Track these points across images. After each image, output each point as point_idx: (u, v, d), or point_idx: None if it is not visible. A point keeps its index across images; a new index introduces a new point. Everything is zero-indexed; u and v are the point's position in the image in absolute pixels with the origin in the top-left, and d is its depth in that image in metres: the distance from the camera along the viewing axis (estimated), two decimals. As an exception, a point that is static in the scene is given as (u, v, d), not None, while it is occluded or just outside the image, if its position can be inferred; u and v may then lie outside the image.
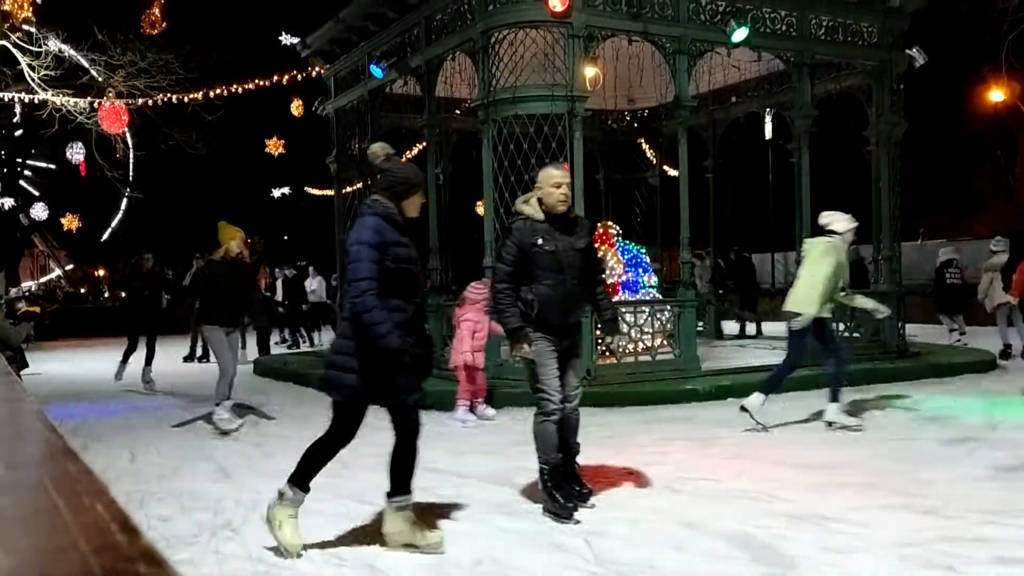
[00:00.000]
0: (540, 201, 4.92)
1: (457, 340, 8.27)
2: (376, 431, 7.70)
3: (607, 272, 10.75)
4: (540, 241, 4.81)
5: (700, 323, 12.82)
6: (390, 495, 4.38)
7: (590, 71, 10.62)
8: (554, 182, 4.87)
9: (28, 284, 36.03)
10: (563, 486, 4.92)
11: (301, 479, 4.30)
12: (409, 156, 19.94)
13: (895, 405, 8.34)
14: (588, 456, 6.40)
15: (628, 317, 9.95)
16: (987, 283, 12.50)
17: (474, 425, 7.97)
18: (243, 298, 8.31)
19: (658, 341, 10.13)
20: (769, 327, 14.25)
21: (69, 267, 38.70)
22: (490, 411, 8.37)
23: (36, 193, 29.23)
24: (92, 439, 7.62)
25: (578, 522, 4.62)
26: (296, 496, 4.26)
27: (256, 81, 18.74)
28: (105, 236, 29.64)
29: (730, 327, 15.28)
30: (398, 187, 4.28)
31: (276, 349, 16.30)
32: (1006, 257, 12.49)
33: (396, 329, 4.06)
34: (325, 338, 16.54)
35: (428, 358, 4.47)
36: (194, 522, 4.79)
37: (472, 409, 8.24)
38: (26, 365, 7.91)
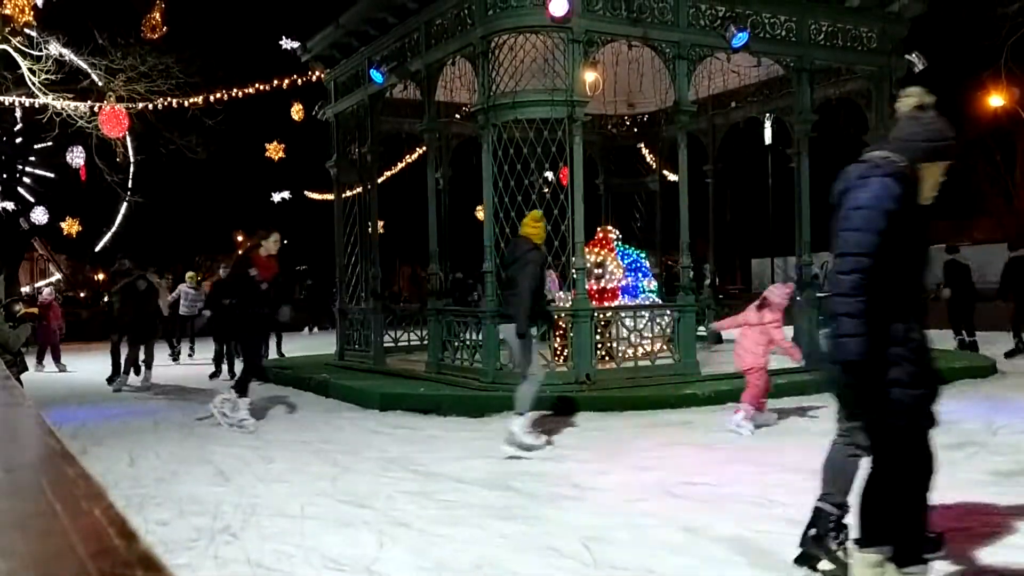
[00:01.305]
0: None
1: (752, 343, 7.53)
2: (377, 436, 7.74)
3: (607, 277, 10.77)
4: None
5: (700, 328, 12.82)
6: (859, 543, 3.44)
7: (590, 76, 10.63)
8: None
9: (28, 287, 36.01)
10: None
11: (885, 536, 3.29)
12: (409, 160, 19.98)
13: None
14: (588, 460, 6.41)
15: (628, 322, 9.96)
16: None
17: (749, 435, 7.22)
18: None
19: (658, 346, 10.13)
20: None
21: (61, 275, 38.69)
22: (773, 416, 7.75)
23: (32, 200, 29.22)
24: (91, 443, 7.62)
25: None
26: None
27: (256, 85, 18.76)
28: (100, 245, 29.65)
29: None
30: (936, 143, 3.29)
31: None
32: None
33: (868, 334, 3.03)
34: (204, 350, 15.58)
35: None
36: (193, 526, 4.78)
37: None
38: (26, 368, 7.90)
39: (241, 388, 8.29)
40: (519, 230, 7.44)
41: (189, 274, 16.62)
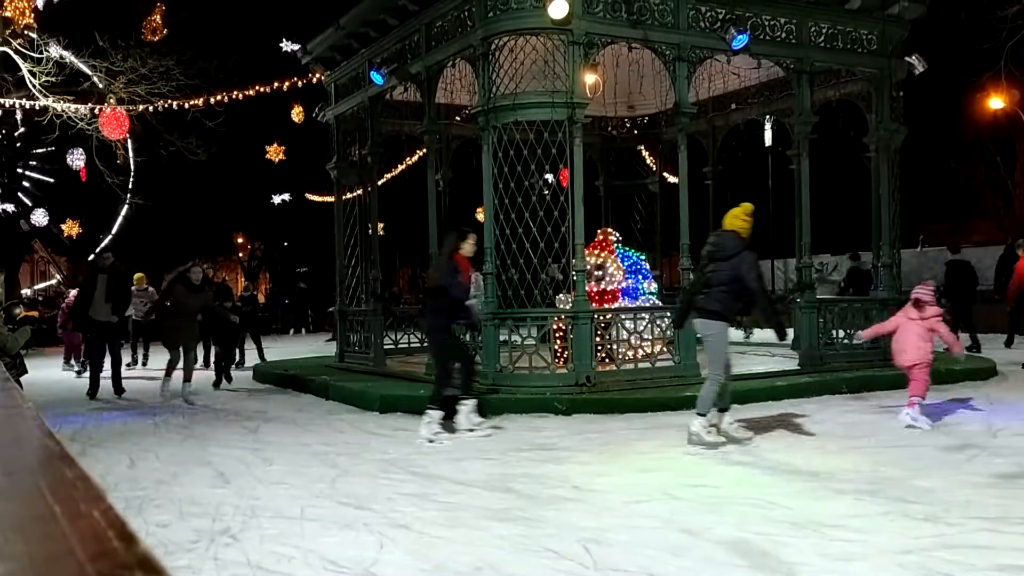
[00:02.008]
0: None
1: (916, 338, 7.49)
2: (376, 438, 7.73)
3: (607, 279, 10.77)
4: None
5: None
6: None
7: (590, 78, 10.63)
8: None
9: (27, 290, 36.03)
10: None
11: None
12: (409, 162, 19.98)
13: (894, 412, 8.33)
14: (588, 462, 6.41)
15: (628, 324, 9.96)
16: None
17: (928, 428, 7.28)
18: None
19: (658, 348, 10.12)
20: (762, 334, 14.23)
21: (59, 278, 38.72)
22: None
23: (31, 202, 29.24)
24: (91, 445, 7.62)
25: None
26: None
27: (257, 87, 18.77)
28: (96, 252, 29.70)
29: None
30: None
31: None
32: None
33: None
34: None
35: None
36: (193, 528, 4.78)
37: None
38: (25, 371, 7.89)
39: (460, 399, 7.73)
40: (723, 223, 7.08)
41: (138, 276, 15.87)
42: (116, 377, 11.32)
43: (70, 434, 8.10)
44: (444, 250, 7.86)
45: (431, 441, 7.27)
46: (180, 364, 10.61)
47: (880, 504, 4.94)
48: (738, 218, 6.93)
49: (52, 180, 28.83)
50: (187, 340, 10.72)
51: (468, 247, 7.71)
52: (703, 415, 6.82)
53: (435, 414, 7.46)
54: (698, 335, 7.86)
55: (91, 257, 12.10)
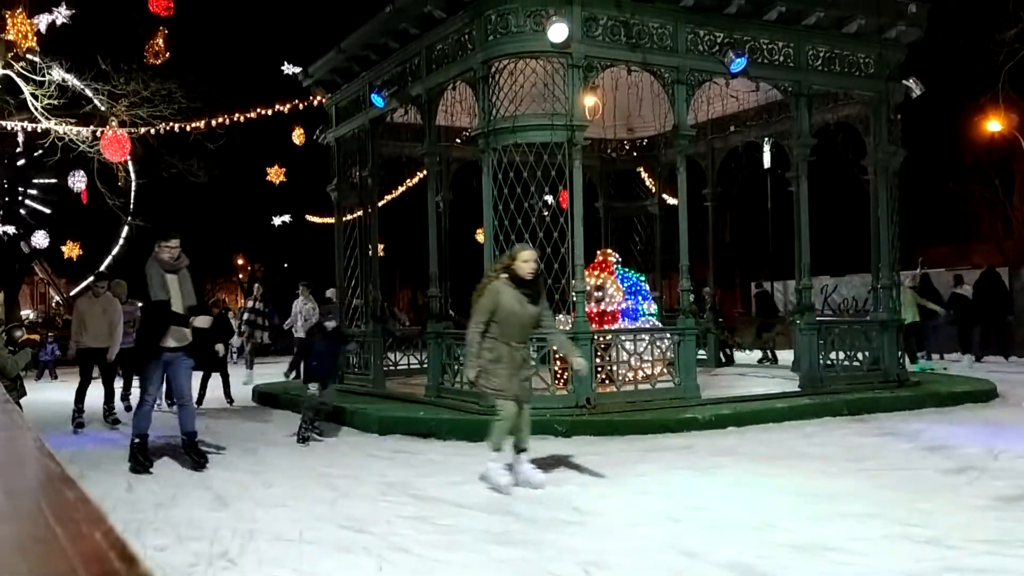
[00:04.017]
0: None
1: None
2: (376, 460, 7.70)
3: (607, 300, 10.77)
4: None
5: (700, 351, 12.82)
6: None
7: (589, 100, 10.70)
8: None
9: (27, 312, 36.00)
10: None
11: None
12: (409, 184, 20.05)
13: (895, 434, 8.31)
14: (588, 484, 6.38)
15: (628, 345, 9.95)
16: None
17: None
18: None
19: (658, 369, 10.11)
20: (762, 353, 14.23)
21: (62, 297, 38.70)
22: None
23: (34, 223, 29.29)
24: (89, 467, 7.58)
25: None
26: None
27: (258, 110, 18.87)
28: (101, 268, 29.70)
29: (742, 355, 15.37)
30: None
31: None
32: None
33: None
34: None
35: None
36: (191, 552, 4.76)
37: None
38: (24, 393, 7.88)
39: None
40: None
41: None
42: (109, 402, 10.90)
43: (69, 456, 8.06)
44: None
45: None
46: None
47: (882, 527, 4.92)
48: None
49: (54, 202, 28.88)
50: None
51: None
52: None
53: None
54: None
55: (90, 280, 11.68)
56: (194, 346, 7.59)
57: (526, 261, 6.32)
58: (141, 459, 7.33)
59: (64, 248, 28.64)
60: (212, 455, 7.87)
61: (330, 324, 9.41)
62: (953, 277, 16.28)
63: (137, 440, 7.42)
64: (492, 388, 6.26)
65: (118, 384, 11.66)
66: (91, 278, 11.44)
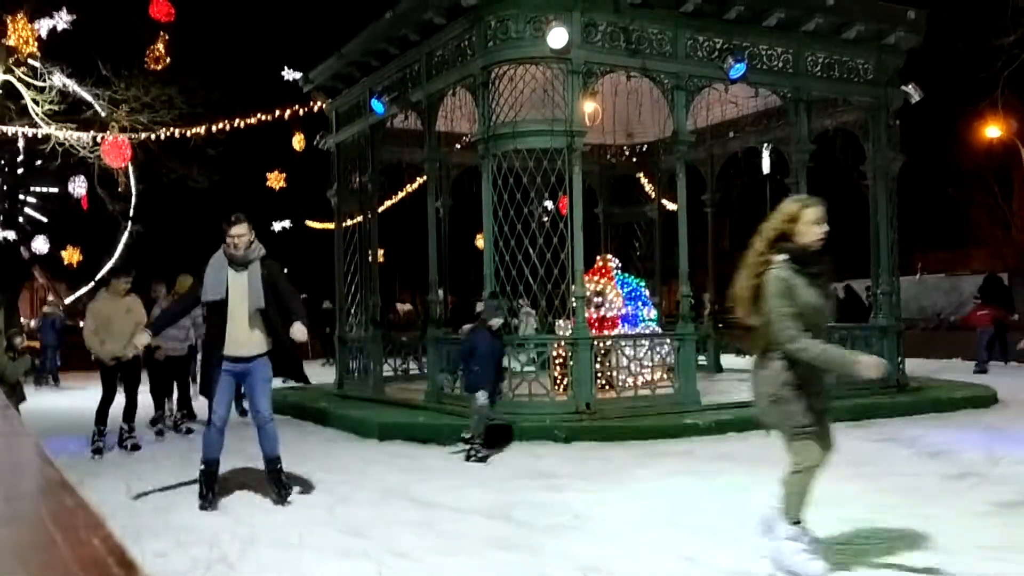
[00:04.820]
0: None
1: None
2: (375, 465, 7.69)
3: (606, 305, 10.77)
4: None
5: (700, 357, 12.81)
6: None
7: (589, 106, 10.71)
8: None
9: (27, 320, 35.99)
10: None
11: None
12: (409, 190, 20.05)
13: (895, 440, 8.31)
14: (588, 489, 6.37)
15: (628, 351, 9.95)
16: None
17: None
18: None
19: (658, 375, 10.10)
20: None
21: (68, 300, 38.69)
22: None
23: (33, 227, 29.29)
24: (88, 473, 7.57)
25: None
26: None
27: (258, 115, 18.89)
28: (100, 274, 29.72)
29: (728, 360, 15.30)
30: None
31: None
32: None
33: None
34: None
35: None
36: (190, 557, 4.75)
37: None
38: (24, 399, 7.87)
39: None
40: None
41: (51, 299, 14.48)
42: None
43: (67, 462, 8.05)
44: None
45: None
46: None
47: (883, 532, 4.92)
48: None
49: (54, 207, 28.89)
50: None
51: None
52: None
53: None
54: None
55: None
56: (276, 353, 6.34)
57: (815, 223, 4.23)
58: (204, 491, 6.14)
59: (64, 253, 28.67)
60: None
61: (495, 322, 8.35)
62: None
63: (203, 467, 6.25)
64: (793, 424, 4.17)
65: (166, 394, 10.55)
66: (114, 276, 9.58)
